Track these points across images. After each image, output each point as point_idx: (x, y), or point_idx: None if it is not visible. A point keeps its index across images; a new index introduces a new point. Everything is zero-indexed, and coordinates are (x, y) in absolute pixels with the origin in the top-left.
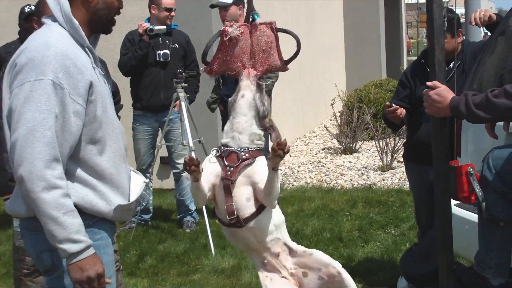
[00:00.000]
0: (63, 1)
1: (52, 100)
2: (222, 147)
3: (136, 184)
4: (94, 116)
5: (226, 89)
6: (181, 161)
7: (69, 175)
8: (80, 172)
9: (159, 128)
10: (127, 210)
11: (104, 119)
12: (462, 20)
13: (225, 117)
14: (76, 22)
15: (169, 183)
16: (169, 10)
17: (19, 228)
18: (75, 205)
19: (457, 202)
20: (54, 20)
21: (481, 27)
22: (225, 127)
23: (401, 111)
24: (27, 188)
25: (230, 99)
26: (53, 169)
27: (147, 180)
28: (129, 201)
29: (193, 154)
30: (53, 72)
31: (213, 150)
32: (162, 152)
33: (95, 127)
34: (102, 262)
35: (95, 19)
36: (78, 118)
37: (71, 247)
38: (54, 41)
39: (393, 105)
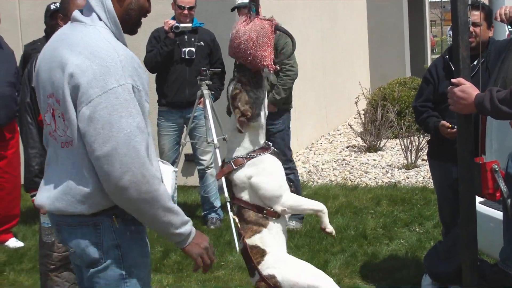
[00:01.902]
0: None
1: (136, 103)
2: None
3: (168, 175)
4: (148, 111)
5: None
6: (206, 157)
7: None
8: None
9: (184, 125)
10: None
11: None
12: None
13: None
14: (118, 21)
15: (194, 180)
16: (181, 8)
17: (47, 225)
18: None
19: (481, 199)
20: (94, 18)
21: (506, 24)
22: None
23: None
24: (142, 191)
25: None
26: (153, 166)
27: (176, 169)
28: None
29: (217, 151)
30: (130, 76)
31: (269, 149)
32: (187, 149)
33: (147, 122)
34: (127, 260)
35: (126, 18)
36: (147, 117)
37: (186, 229)
38: (116, 43)
39: (455, 127)
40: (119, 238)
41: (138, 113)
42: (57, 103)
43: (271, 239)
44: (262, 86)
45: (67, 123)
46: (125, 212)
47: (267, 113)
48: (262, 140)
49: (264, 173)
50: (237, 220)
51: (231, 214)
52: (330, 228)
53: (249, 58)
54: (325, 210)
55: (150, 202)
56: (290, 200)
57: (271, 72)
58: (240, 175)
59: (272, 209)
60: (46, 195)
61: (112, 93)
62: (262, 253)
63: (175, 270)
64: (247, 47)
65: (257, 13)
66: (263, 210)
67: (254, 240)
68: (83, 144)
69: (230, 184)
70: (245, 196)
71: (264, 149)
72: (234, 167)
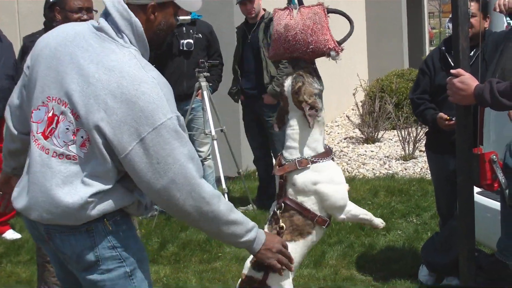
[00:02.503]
0: (136, 21)
1: (182, 132)
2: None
3: None
4: None
5: (245, 81)
6: (203, 149)
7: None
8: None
9: (182, 117)
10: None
11: None
12: None
13: (246, 107)
14: (148, 45)
15: None
16: None
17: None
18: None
19: (479, 190)
20: (126, 40)
21: (505, 16)
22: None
23: None
24: (204, 212)
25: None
26: (207, 185)
27: None
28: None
29: (215, 143)
30: (171, 107)
31: (332, 154)
32: None
33: None
34: (129, 259)
35: (154, 39)
36: None
37: (251, 236)
38: (154, 73)
39: (453, 119)
40: (114, 239)
41: (187, 141)
42: (73, 116)
43: (299, 253)
44: (320, 78)
45: (78, 139)
46: (115, 213)
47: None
48: (324, 141)
49: (332, 182)
50: (280, 216)
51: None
52: (381, 224)
53: (311, 46)
54: (372, 218)
55: (213, 220)
56: (352, 210)
57: (339, 54)
58: (303, 178)
59: (323, 216)
60: (32, 203)
61: (163, 128)
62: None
63: (172, 261)
64: (306, 35)
65: (300, 2)
66: (315, 217)
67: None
68: (93, 164)
69: (284, 182)
70: (301, 198)
71: (327, 153)
72: (298, 167)
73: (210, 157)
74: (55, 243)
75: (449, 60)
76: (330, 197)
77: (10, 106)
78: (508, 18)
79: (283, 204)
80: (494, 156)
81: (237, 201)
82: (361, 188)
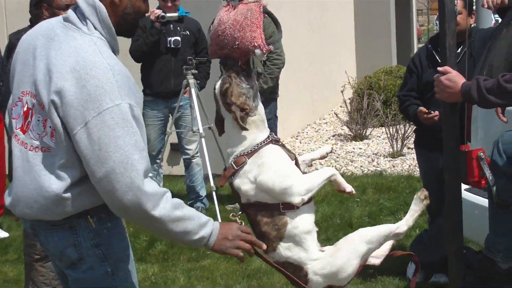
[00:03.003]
0: (100, 5)
1: (132, 121)
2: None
3: None
4: None
5: None
6: (191, 147)
7: None
8: None
9: (170, 114)
10: None
11: None
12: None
13: None
14: (114, 29)
15: (179, 169)
16: (164, 0)
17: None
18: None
19: (467, 186)
20: (91, 27)
21: (492, 13)
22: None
23: (438, 114)
24: (144, 209)
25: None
26: (152, 182)
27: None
28: None
29: (203, 140)
30: (126, 95)
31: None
32: (172, 138)
33: None
34: (110, 257)
35: (121, 23)
36: (145, 134)
37: (206, 231)
38: (111, 60)
39: (432, 112)
40: (97, 237)
41: (135, 132)
42: (40, 107)
43: (297, 247)
44: (252, 76)
45: (48, 130)
46: (99, 210)
47: (262, 106)
48: (264, 135)
49: (264, 169)
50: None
51: (216, 203)
52: (349, 187)
53: (237, 42)
54: (336, 171)
55: (160, 216)
56: (303, 186)
57: (264, 53)
58: (242, 181)
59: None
60: (15, 199)
61: (108, 113)
62: (301, 270)
63: (161, 259)
64: (234, 31)
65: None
66: (278, 206)
67: (282, 252)
68: (62, 152)
69: (237, 194)
70: (253, 198)
71: (266, 139)
72: (236, 167)
73: (198, 154)
74: (40, 239)
75: (436, 57)
76: (267, 186)
77: (8, 109)
78: (495, 15)
79: (245, 214)
80: (482, 153)
81: (226, 198)
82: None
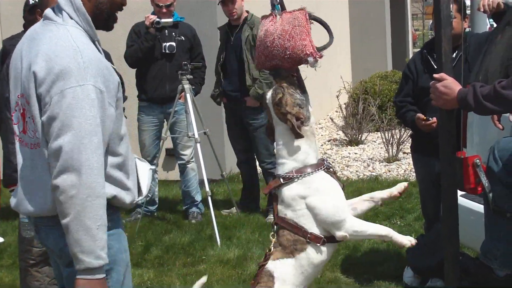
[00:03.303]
0: None
1: (95, 106)
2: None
3: (144, 173)
4: (120, 113)
5: (227, 82)
6: (186, 152)
7: (106, 176)
8: (113, 170)
9: (165, 120)
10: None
11: (122, 113)
12: (468, 11)
13: (229, 110)
14: (89, 16)
15: (175, 174)
16: (159, 6)
17: (26, 220)
18: (110, 203)
19: (463, 193)
20: (65, 17)
21: (488, 17)
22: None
23: (436, 121)
24: (68, 194)
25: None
26: (101, 177)
27: (153, 167)
28: (140, 190)
29: (198, 145)
30: (93, 77)
31: (323, 165)
32: (168, 143)
33: (120, 123)
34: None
35: (97, 13)
36: (111, 121)
37: (91, 262)
38: (82, 44)
39: (430, 118)
40: None
41: (93, 116)
42: (27, 104)
43: (291, 273)
44: (303, 86)
45: (36, 124)
46: None
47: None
48: (314, 153)
49: (319, 194)
50: (273, 240)
51: (212, 208)
52: (407, 243)
53: (288, 52)
54: (391, 233)
55: (73, 210)
56: (355, 226)
57: (317, 60)
58: (290, 192)
59: (315, 233)
60: (19, 198)
61: (70, 93)
62: (268, 285)
63: (156, 264)
64: (284, 41)
65: (283, 7)
66: (307, 234)
67: (278, 264)
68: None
69: (276, 200)
70: (289, 214)
71: (318, 165)
72: (282, 182)
73: (193, 160)
74: (41, 236)
75: (432, 63)
76: (320, 210)
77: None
78: (491, 20)
79: (275, 226)
80: (478, 160)
81: (221, 204)
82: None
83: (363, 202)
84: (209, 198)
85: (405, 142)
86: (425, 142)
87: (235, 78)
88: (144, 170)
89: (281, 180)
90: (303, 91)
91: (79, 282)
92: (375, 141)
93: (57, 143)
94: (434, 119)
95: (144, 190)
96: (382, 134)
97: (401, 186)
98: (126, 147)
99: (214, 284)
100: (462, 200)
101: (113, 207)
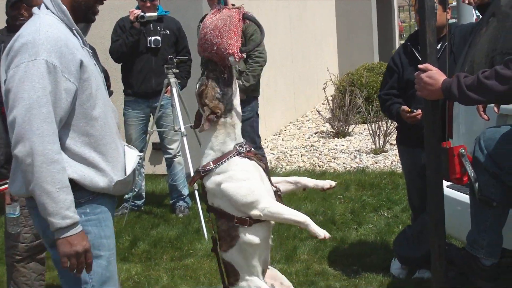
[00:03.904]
0: None
1: (45, 79)
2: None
3: (131, 158)
4: (90, 94)
5: None
6: (173, 146)
7: (71, 153)
8: (82, 150)
9: (151, 114)
10: (125, 183)
11: (99, 96)
12: (454, 3)
13: None
14: (64, 6)
15: (162, 168)
16: (143, 0)
17: (14, 215)
18: (76, 182)
19: (449, 183)
20: (43, 8)
21: (474, 9)
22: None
23: (420, 113)
24: (26, 163)
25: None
26: (53, 144)
27: (141, 154)
28: (126, 174)
29: (184, 139)
30: (46, 52)
31: (236, 151)
32: (154, 138)
33: (92, 105)
34: (88, 239)
35: (75, 6)
36: (69, 96)
37: (59, 222)
38: (45, 26)
39: (414, 110)
40: None
41: (43, 88)
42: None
43: (241, 258)
44: (231, 81)
45: None
46: (79, 196)
47: (240, 112)
48: (233, 141)
49: (233, 180)
50: (210, 226)
51: (199, 202)
52: (321, 235)
53: (215, 48)
54: (308, 221)
55: (32, 177)
56: (270, 207)
57: (238, 61)
58: (209, 183)
59: (243, 216)
60: (12, 179)
61: (23, 67)
62: (235, 275)
63: (143, 259)
64: (213, 36)
65: (225, 3)
66: (233, 219)
67: (229, 256)
68: None
69: (203, 190)
70: (216, 202)
71: (229, 152)
72: (202, 174)
73: (180, 154)
74: (32, 218)
75: (416, 55)
76: (233, 195)
77: None
78: (477, 11)
79: (208, 213)
80: (463, 150)
81: None
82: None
83: (287, 183)
84: (196, 192)
85: (392, 134)
86: (411, 133)
87: None
88: (131, 155)
89: (201, 173)
90: (228, 85)
91: (57, 243)
92: (361, 133)
93: (12, 115)
94: (419, 111)
95: (128, 171)
96: (369, 126)
97: (330, 183)
98: (101, 130)
99: (202, 278)
100: (448, 191)
101: (91, 191)
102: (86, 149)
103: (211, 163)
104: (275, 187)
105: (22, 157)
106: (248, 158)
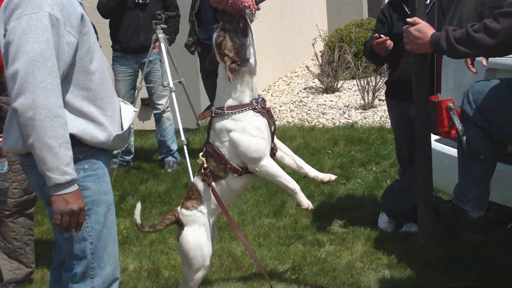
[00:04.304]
0: None
1: (48, 31)
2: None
3: (127, 113)
4: (89, 47)
5: (202, 31)
6: (162, 101)
7: (70, 107)
8: (81, 104)
9: (139, 70)
10: (122, 138)
11: (96, 50)
12: None
13: (203, 59)
14: None
15: (150, 124)
16: None
17: (2, 171)
18: (76, 137)
19: (437, 137)
20: None
21: None
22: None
23: (390, 43)
24: (28, 116)
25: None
26: (56, 98)
27: (137, 110)
28: (122, 129)
29: (173, 95)
30: (49, 5)
31: (252, 105)
32: (143, 93)
33: (90, 58)
34: (83, 198)
35: None
36: (71, 49)
37: (58, 178)
38: None
39: (382, 36)
40: None
41: (47, 40)
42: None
43: (209, 198)
44: (248, 33)
45: None
46: (77, 151)
47: (257, 62)
48: (250, 93)
49: (245, 132)
50: (204, 161)
51: (187, 157)
52: (305, 205)
53: (230, 1)
54: (297, 189)
55: (33, 131)
56: (268, 167)
57: (253, 13)
58: (220, 125)
59: (235, 165)
60: (5, 137)
61: (25, 19)
62: (197, 201)
63: (132, 214)
64: None
65: None
66: (227, 164)
67: (201, 186)
68: None
69: (209, 127)
70: (217, 142)
71: (248, 105)
72: (214, 115)
73: (168, 109)
74: (27, 176)
75: (405, 9)
76: (241, 145)
77: None
78: None
79: (205, 148)
80: (451, 104)
81: (197, 152)
82: (321, 138)
83: (292, 160)
84: (185, 147)
85: (381, 89)
86: (398, 87)
87: (210, 27)
88: (127, 110)
89: (213, 113)
90: (245, 35)
91: (52, 199)
92: (350, 89)
93: (13, 68)
94: (387, 38)
95: (125, 126)
96: (358, 81)
97: (330, 176)
98: (99, 84)
99: None
100: (436, 145)
101: (89, 147)
102: (85, 103)
103: (225, 107)
104: (274, 144)
105: (23, 110)
106: (262, 114)
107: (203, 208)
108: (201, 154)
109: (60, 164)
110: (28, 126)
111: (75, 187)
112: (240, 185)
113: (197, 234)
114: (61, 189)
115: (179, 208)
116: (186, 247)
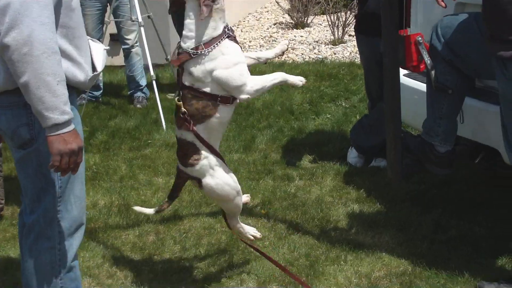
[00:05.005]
0: None
1: None
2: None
3: (98, 52)
4: None
5: None
6: (130, 36)
7: None
8: (60, 41)
9: (108, 4)
10: (93, 78)
11: None
12: None
13: None
14: None
15: (119, 59)
16: None
17: None
18: None
19: (406, 72)
20: None
21: None
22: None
23: None
24: (23, 52)
25: None
26: (53, 33)
27: (108, 48)
28: (97, 70)
29: (142, 29)
30: None
31: (225, 34)
32: (112, 28)
33: None
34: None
35: None
36: None
37: (57, 117)
38: None
39: None
40: None
41: None
42: None
43: (206, 135)
44: None
45: None
46: None
47: None
48: (222, 26)
49: (226, 65)
50: (181, 106)
51: (157, 93)
52: (299, 83)
53: None
54: (285, 76)
55: (29, 67)
56: (254, 86)
57: None
58: (200, 69)
59: (224, 95)
60: None
61: None
62: (195, 153)
63: (102, 149)
64: None
65: None
66: (217, 98)
67: (189, 136)
68: None
69: (181, 72)
70: (197, 84)
71: (221, 36)
72: (192, 56)
73: (137, 44)
74: None
75: None
76: (226, 80)
77: None
78: None
79: (181, 92)
80: (420, 38)
81: (166, 88)
82: (290, 73)
83: (248, 59)
84: (154, 82)
85: (351, 25)
86: (368, 22)
87: None
88: (98, 49)
89: (191, 54)
90: None
91: (50, 139)
92: (321, 24)
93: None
94: None
95: (99, 67)
96: (328, 17)
97: (283, 45)
98: (77, 22)
99: (160, 168)
100: (405, 79)
101: (68, 87)
102: (63, 41)
103: (202, 45)
104: None
105: (17, 45)
106: (234, 40)
107: (204, 153)
108: (177, 98)
109: (60, 103)
110: (23, 63)
111: (72, 126)
112: (230, 113)
113: (216, 177)
114: (59, 128)
115: (182, 167)
116: (214, 192)
